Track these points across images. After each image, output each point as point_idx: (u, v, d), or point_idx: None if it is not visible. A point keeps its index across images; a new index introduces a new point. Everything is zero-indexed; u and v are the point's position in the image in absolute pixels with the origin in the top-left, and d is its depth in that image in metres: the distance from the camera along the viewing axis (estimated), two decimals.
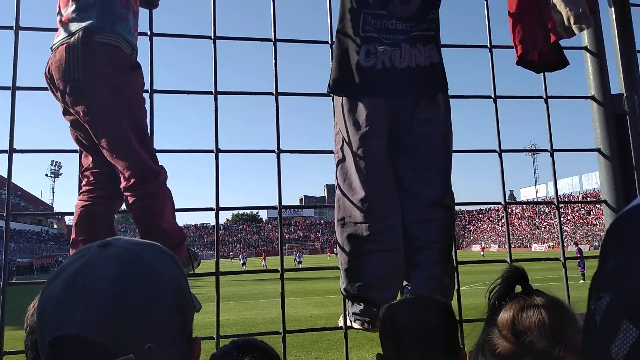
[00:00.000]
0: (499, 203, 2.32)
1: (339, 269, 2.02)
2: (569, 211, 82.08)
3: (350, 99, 1.98)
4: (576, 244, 32.70)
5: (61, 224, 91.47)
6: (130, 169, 1.79)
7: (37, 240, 72.33)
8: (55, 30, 1.89)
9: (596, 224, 69.82)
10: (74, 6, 1.80)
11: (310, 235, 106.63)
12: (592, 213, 75.30)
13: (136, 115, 1.86)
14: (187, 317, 0.72)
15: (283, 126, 2.10)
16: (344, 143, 1.98)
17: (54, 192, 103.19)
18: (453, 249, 2.03)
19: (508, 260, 2.16)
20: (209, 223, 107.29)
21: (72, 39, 1.74)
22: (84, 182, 1.95)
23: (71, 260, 0.68)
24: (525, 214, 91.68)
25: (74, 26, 1.77)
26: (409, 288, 1.99)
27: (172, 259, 0.75)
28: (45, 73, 1.83)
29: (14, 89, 1.91)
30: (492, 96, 2.27)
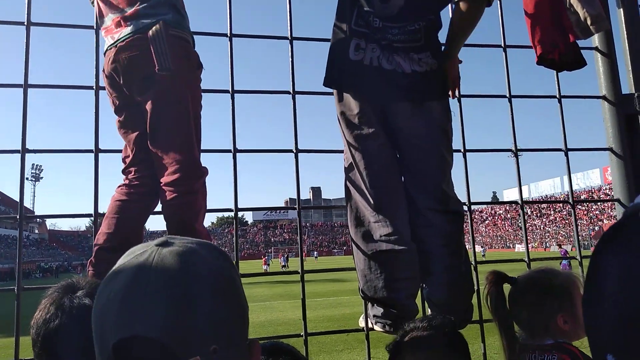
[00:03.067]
0: (516, 202, 2.32)
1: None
2: (551, 212, 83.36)
3: (340, 93, 1.98)
4: (559, 245, 33.35)
5: (42, 229, 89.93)
6: (180, 163, 1.75)
7: (17, 245, 70.71)
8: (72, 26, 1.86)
9: (578, 224, 70.96)
10: (144, 4, 1.78)
11: (296, 237, 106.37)
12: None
13: (198, 112, 1.86)
14: (245, 317, 0.70)
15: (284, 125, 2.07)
16: (347, 143, 1.98)
17: (34, 195, 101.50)
18: (465, 250, 2.02)
19: (526, 260, 2.16)
20: None
21: (153, 30, 1.72)
22: (124, 178, 1.92)
23: (128, 259, 0.65)
24: (509, 215, 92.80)
25: (146, 21, 1.75)
26: (427, 291, 2.00)
27: (228, 258, 0.72)
28: (103, 72, 1.82)
29: (26, 86, 1.85)
30: (507, 95, 2.28)
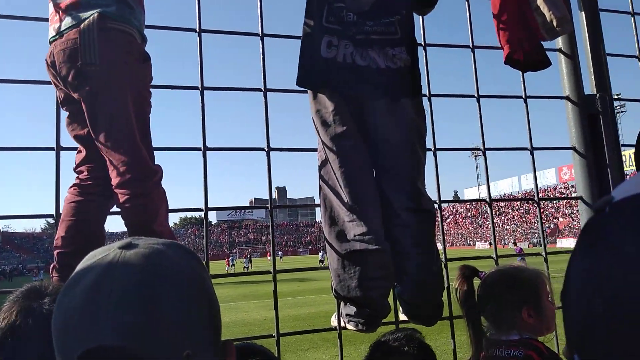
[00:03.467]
0: (484, 200, 2.36)
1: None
2: (510, 210, 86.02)
3: (314, 92, 1.97)
4: (515, 243, 34.49)
5: None
6: (127, 164, 1.66)
7: None
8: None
9: (534, 221, 73.57)
10: None
11: (261, 237, 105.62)
12: (530, 212, 79.25)
13: (143, 108, 1.76)
14: (218, 318, 0.67)
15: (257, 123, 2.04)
16: (321, 142, 1.97)
17: None
18: (436, 248, 2.04)
19: (494, 256, 2.20)
20: None
21: (85, 23, 1.62)
22: (76, 177, 1.82)
23: (88, 264, 0.61)
24: (469, 214, 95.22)
25: (86, 12, 1.65)
26: (399, 289, 2.00)
27: (196, 257, 0.69)
28: (46, 61, 1.71)
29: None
30: (476, 95, 2.31)
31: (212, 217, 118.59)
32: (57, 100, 1.81)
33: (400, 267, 1.93)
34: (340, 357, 2.04)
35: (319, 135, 1.96)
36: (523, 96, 2.39)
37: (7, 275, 53.12)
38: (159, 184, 1.75)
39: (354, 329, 1.93)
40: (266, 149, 2.00)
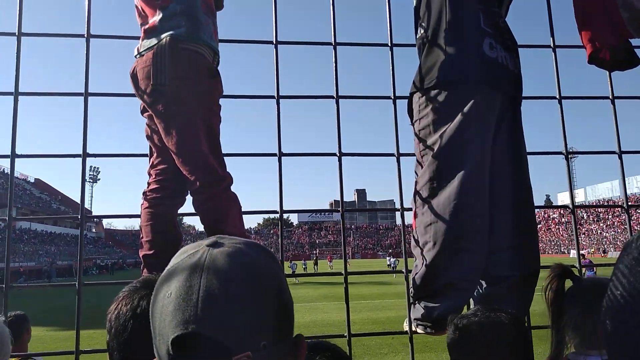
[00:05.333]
0: (567, 207, 2.25)
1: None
2: (609, 216, 79.26)
3: (456, 92, 1.97)
4: (583, 256, 31.28)
5: (99, 228, 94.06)
6: (196, 173, 1.84)
7: (75, 243, 74.40)
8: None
9: (633, 230, 67.08)
10: (160, 15, 1.87)
11: (340, 239, 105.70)
12: (633, 218, 72.46)
13: (211, 120, 1.91)
14: (291, 314, 0.74)
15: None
16: (436, 135, 1.96)
17: (92, 196, 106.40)
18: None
19: (577, 266, 2.09)
20: None
21: (158, 46, 1.82)
22: (148, 180, 2.01)
23: (181, 259, 0.70)
24: (563, 220, 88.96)
25: (161, 34, 1.85)
26: (482, 290, 1.97)
27: (273, 257, 0.76)
28: (130, 73, 1.92)
29: (86, 95, 1.97)
30: (557, 97, 2.21)
31: (294, 218, 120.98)
32: (84, 111, 2.01)
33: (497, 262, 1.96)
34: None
35: (438, 139, 1.97)
36: (610, 97, 2.25)
37: (109, 268, 57.95)
38: (228, 189, 1.90)
39: (423, 332, 1.93)
40: (337, 154, 2.06)
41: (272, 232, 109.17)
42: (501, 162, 1.98)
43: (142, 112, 1.99)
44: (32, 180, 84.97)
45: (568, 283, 1.60)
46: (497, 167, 1.96)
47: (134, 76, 1.90)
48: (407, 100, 2.13)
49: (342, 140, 2.05)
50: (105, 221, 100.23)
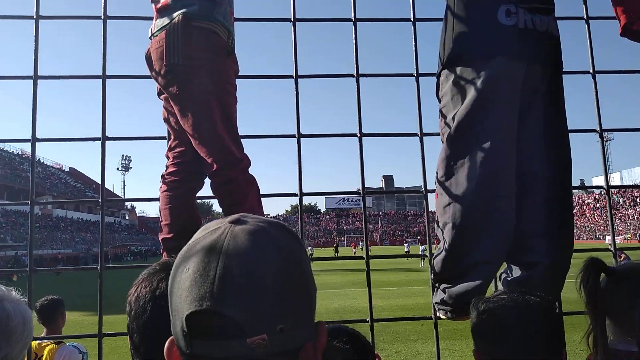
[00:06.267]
0: (601, 187, 2.14)
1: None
2: None
3: (471, 68, 1.87)
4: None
5: (132, 216, 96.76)
6: (213, 155, 1.81)
7: (110, 230, 76.92)
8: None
9: None
10: None
11: (368, 226, 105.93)
12: None
13: (226, 101, 1.87)
14: (313, 299, 0.70)
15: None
16: (454, 112, 1.88)
17: (125, 185, 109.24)
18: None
19: (612, 249, 1.99)
20: (269, 214, 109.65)
21: (171, 24, 1.78)
22: (167, 163, 2.00)
23: (202, 235, 0.67)
24: (598, 205, 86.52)
25: (174, 12, 1.81)
26: (511, 275, 1.88)
27: (297, 239, 0.72)
28: (145, 55, 1.90)
29: (104, 77, 1.96)
30: (591, 71, 2.09)
31: (321, 205, 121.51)
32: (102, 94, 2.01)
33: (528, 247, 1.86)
34: (437, 346, 2.00)
35: (462, 107, 1.87)
36: None
37: (143, 255, 59.79)
38: (245, 171, 1.87)
39: (444, 317, 1.88)
40: (358, 135, 2.00)
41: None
42: (533, 140, 1.86)
43: (159, 94, 1.97)
44: (67, 170, 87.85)
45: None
46: (528, 145, 1.85)
47: (148, 58, 1.88)
48: (431, 77, 2.06)
49: (370, 125, 2.00)
50: (138, 209, 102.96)
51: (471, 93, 1.82)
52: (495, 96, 1.81)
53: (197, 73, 1.79)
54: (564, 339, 1.28)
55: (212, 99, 1.81)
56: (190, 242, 0.68)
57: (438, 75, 2.00)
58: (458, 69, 1.88)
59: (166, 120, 1.97)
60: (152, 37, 1.89)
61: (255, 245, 0.64)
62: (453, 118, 1.87)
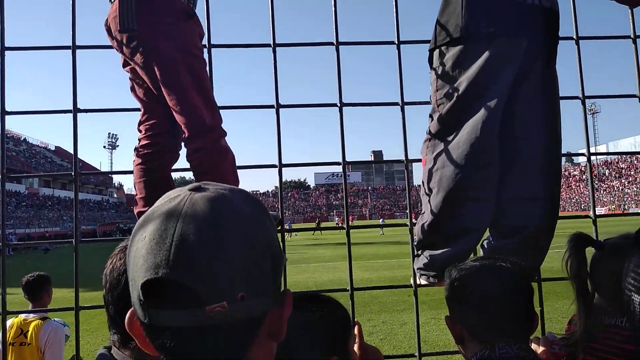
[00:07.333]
0: (583, 154, 2.14)
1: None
2: (632, 172, 77.85)
3: (469, 47, 1.81)
4: None
5: (120, 194, 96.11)
6: (185, 123, 1.76)
7: (98, 208, 76.56)
8: None
9: None
10: None
11: (357, 201, 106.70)
12: None
13: (194, 66, 1.80)
14: (279, 267, 0.68)
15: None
16: (453, 85, 1.84)
17: (112, 163, 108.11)
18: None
19: (592, 216, 2.01)
20: (258, 190, 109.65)
21: None
22: (139, 136, 1.95)
23: (161, 203, 0.65)
24: (584, 177, 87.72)
25: None
26: (493, 242, 1.89)
27: (261, 206, 0.70)
28: (104, 25, 1.82)
29: (74, 47, 1.90)
30: (575, 37, 2.07)
31: (311, 181, 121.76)
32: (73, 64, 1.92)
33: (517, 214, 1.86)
34: (416, 312, 2.03)
35: (453, 83, 1.84)
36: (632, 35, 2.10)
37: (131, 232, 59.72)
38: (218, 140, 1.81)
39: (426, 282, 1.89)
40: (338, 105, 1.97)
41: (289, 194, 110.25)
42: (529, 110, 1.84)
43: (124, 65, 1.89)
44: (53, 148, 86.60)
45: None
46: (524, 115, 1.83)
47: (108, 29, 1.80)
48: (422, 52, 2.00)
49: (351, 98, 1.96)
50: (126, 186, 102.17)
51: (470, 70, 1.78)
52: (494, 73, 1.77)
53: (160, 38, 1.71)
54: (533, 305, 1.27)
55: (180, 65, 1.74)
56: (149, 210, 0.66)
57: (434, 48, 1.94)
58: (454, 50, 1.84)
59: (133, 92, 1.90)
60: (111, 2, 1.79)
61: (214, 211, 0.61)
62: (451, 92, 1.82)
